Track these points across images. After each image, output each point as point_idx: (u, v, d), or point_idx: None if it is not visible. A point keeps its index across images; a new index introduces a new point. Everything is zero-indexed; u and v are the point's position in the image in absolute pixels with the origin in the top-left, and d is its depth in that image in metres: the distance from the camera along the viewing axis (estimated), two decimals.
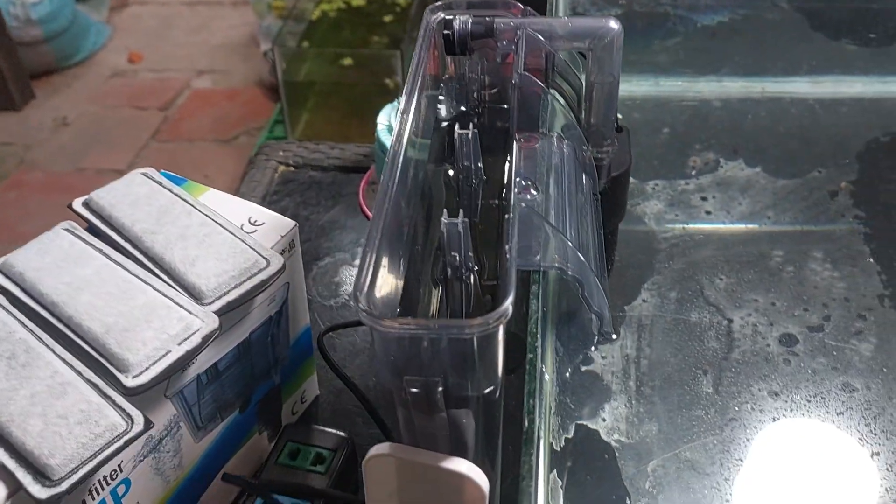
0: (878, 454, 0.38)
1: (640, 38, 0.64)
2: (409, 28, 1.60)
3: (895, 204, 0.50)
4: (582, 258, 0.27)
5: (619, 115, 0.58)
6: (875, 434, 0.39)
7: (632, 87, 0.61)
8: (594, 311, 0.30)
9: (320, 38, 1.68)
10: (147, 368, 0.35)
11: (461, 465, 0.25)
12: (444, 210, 0.27)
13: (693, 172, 0.54)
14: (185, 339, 0.36)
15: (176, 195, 0.43)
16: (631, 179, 0.54)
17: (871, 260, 0.48)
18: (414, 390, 0.23)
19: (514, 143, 0.31)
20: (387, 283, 0.25)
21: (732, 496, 0.38)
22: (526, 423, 0.23)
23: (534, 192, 0.28)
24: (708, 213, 0.52)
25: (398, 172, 0.28)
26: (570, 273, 0.27)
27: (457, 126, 0.32)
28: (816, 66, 0.60)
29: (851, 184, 0.52)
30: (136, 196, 0.42)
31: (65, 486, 0.31)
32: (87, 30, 2.18)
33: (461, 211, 0.26)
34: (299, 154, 0.74)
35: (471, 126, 0.31)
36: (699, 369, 0.44)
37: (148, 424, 0.34)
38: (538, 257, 0.26)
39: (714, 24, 0.64)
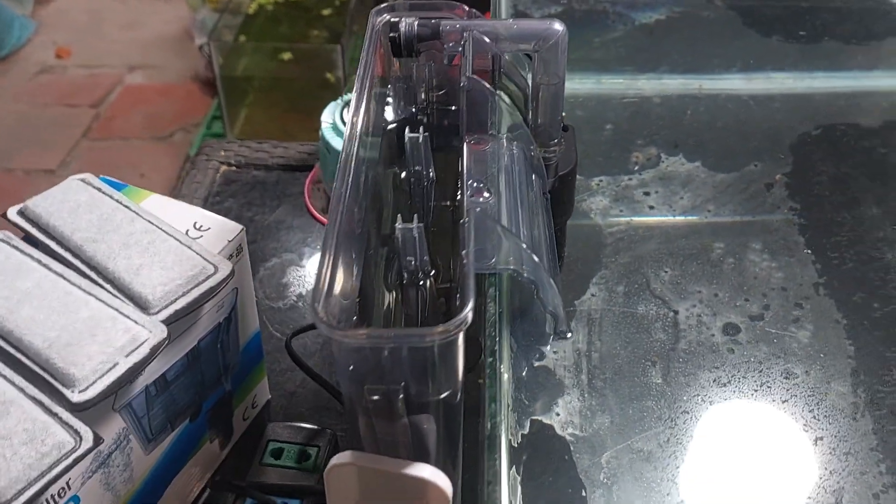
0: (821, 438, 0.40)
1: (581, 37, 0.64)
2: (348, 22, 1.59)
3: (827, 195, 0.52)
4: (536, 259, 0.27)
5: (563, 114, 0.59)
6: (817, 419, 0.41)
7: (575, 84, 0.61)
8: (549, 310, 0.30)
9: (257, 33, 1.65)
10: (94, 383, 0.34)
11: (424, 471, 0.25)
12: (398, 215, 0.27)
13: (636, 168, 0.55)
14: (133, 351, 0.35)
15: (117, 202, 0.42)
16: (577, 176, 0.55)
17: (807, 250, 0.49)
18: (375, 398, 0.23)
19: (465, 145, 0.32)
20: (343, 289, 0.25)
21: (684, 484, 0.39)
22: (489, 427, 0.23)
23: (486, 195, 0.28)
24: (651, 207, 0.53)
25: (351, 177, 0.28)
26: (525, 275, 0.27)
27: (407, 129, 0.32)
28: (750, 62, 0.62)
29: (786, 176, 0.54)
30: (75, 203, 0.41)
31: None
32: (10, 24, 2.09)
33: (415, 216, 0.26)
34: (241, 153, 0.72)
35: (421, 129, 0.31)
36: (648, 361, 0.45)
37: (97, 440, 0.33)
38: (493, 260, 0.26)
39: (652, 21, 0.65)
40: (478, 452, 0.28)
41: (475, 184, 0.29)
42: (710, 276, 0.49)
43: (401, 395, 0.23)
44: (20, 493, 0.31)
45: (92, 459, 0.36)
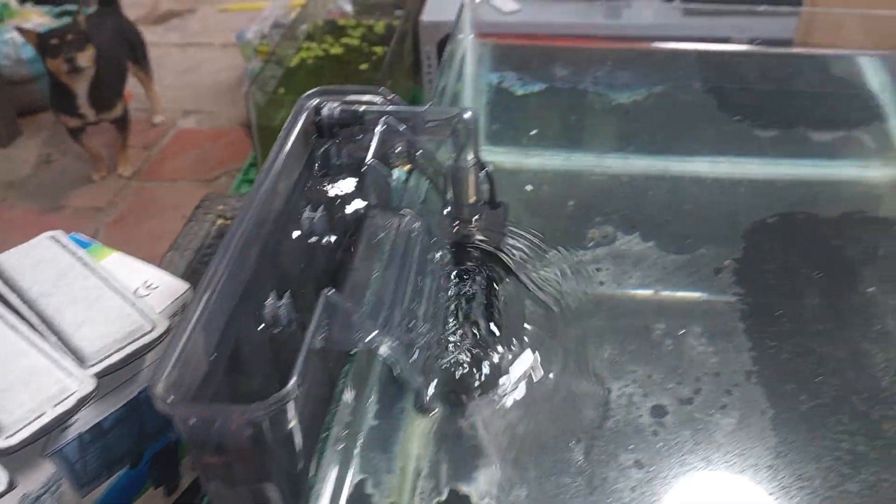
0: None
1: (558, 114, 0.67)
2: (382, 77, 1.65)
3: (773, 284, 0.53)
4: (393, 343, 0.29)
5: (529, 187, 0.61)
6: None
7: (545, 160, 0.64)
8: (411, 387, 0.32)
9: (298, 85, 1.72)
10: (20, 430, 0.37)
11: None
12: (273, 291, 0.29)
13: (591, 244, 0.57)
14: (61, 402, 0.38)
15: (78, 258, 0.45)
16: (532, 247, 0.57)
17: (744, 337, 0.50)
18: (213, 467, 0.25)
19: (365, 220, 0.34)
20: (199, 361, 0.27)
21: None
22: (312, 472, 0.25)
23: (363, 277, 0.30)
24: (601, 283, 0.55)
25: (237, 248, 0.30)
26: (383, 356, 0.29)
27: (307, 208, 0.34)
28: (717, 146, 0.63)
29: (736, 262, 0.54)
30: (39, 259, 0.45)
31: None
32: None
33: (287, 292, 0.29)
34: (237, 207, 0.76)
35: (320, 208, 0.34)
36: (574, 437, 0.46)
37: (11, 485, 0.35)
38: (352, 339, 0.28)
39: (629, 102, 0.67)
40: None
41: (356, 272, 0.31)
42: (648, 357, 0.50)
43: (237, 465, 0.25)
44: None
45: (19, 502, 0.39)
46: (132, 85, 2.30)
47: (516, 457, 0.45)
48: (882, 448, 0.43)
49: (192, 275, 0.70)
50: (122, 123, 1.95)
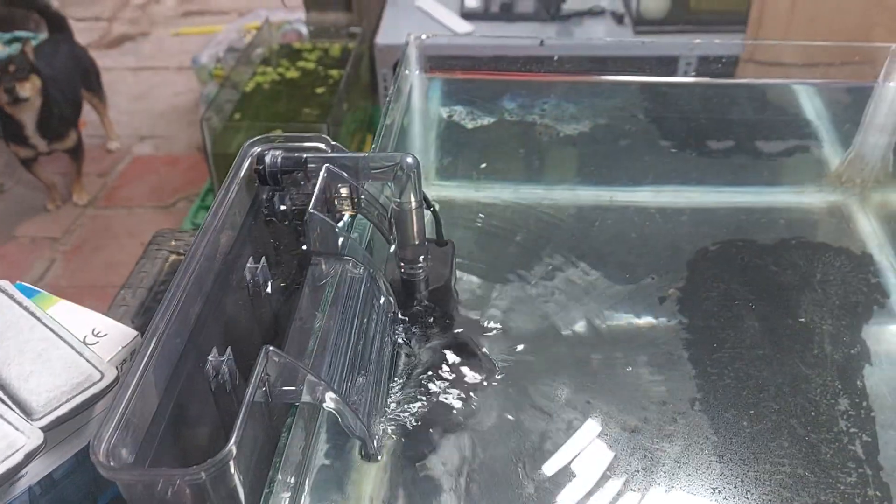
0: None
1: (507, 148, 0.68)
2: (336, 101, 1.66)
3: (715, 311, 0.54)
4: (336, 397, 0.30)
5: (479, 221, 0.62)
6: None
7: (495, 193, 0.65)
8: (356, 436, 0.32)
9: (254, 110, 1.72)
10: None
11: None
12: (214, 349, 0.30)
13: (539, 276, 0.58)
14: (8, 457, 0.38)
15: (24, 308, 0.45)
16: (482, 281, 0.58)
17: (689, 365, 0.51)
18: None
19: (308, 268, 0.34)
20: (143, 419, 0.28)
21: None
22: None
23: (312, 324, 0.31)
24: (547, 315, 0.56)
25: (176, 303, 0.31)
26: (325, 406, 0.30)
27: (251, 257, 0.35)
28: (660, 175, 0.65)
29: (679, 290, 0.56)
30: None
31: None
32: None
33: (227, 349, 0.29)
34: (190, 243, 0.76)
35: (263, 257, 0.34)
36: (523, 468, 0.47)
37: None
38: (294, 392, 0.29)
39: (575, 133, 0.69)
40: None
41: (300, 321, 0.31)
42: (595, 387, 0.51)
43: None
44: None
45: None
46: (86, 112, 2.27)
47: (467, 487, 0.46)
48: (820, 471, 0.45)
49: (145, 313, 0.69)
50: (76, 153, 1.92)
